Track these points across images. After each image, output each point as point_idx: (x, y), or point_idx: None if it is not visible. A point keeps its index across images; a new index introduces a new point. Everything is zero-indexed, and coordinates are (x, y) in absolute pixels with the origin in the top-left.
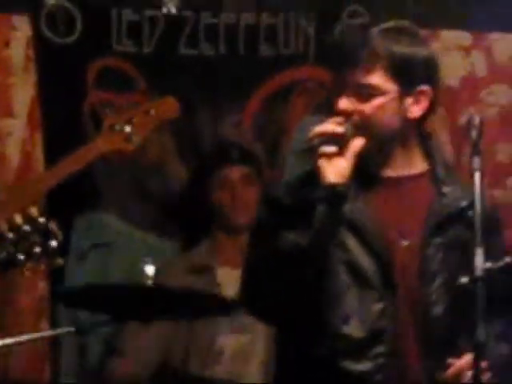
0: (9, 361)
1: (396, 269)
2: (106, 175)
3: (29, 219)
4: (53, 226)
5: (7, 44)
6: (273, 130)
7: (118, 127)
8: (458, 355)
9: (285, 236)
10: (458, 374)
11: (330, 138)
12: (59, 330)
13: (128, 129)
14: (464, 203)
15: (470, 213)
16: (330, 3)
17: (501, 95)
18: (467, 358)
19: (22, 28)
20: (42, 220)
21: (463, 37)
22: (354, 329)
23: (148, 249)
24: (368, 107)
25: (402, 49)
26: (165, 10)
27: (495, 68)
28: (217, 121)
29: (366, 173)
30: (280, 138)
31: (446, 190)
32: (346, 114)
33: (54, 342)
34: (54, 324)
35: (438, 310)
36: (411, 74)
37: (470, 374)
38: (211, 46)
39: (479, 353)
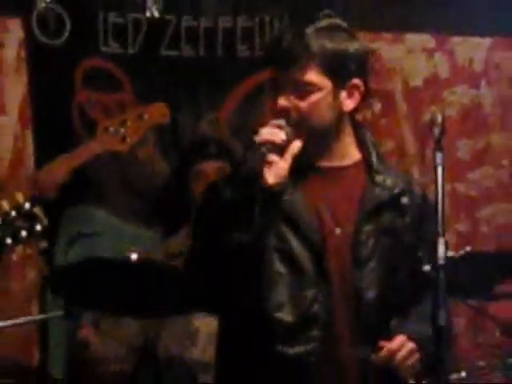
0: None
1: (330, 256)
2: (94, 170)
3: (15, 205)
4: (38, 211)
5: (1, 45)
6: (248, 127)
7: (112, 130)
8: (390, 339)
9: (224, 230)
10: (390, 356)
11: (274, 145)
12: (48, 315)
13: (122, 131)
14: (396, 191)
15: (401, 200)
16: (304, 6)
17: (462, 95)
18: (398, 341)
19: (13, 30)
20: (27, 206)
21: (427, 40)
22: (286, 314)
23: (132, 238)
24: (305, 104)
25: (334, 45)
26: (148, 14)
27: (456, 69)
28: (196, 118)
29: (302, 164)
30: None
31: (378, 178)
32: (285, 111)
33: (43, 325)
34: (43, 309)
35: (370, 294)
36: (344, 68)
37: (400, 355)
38: (191, 47)
39: (440, 336)
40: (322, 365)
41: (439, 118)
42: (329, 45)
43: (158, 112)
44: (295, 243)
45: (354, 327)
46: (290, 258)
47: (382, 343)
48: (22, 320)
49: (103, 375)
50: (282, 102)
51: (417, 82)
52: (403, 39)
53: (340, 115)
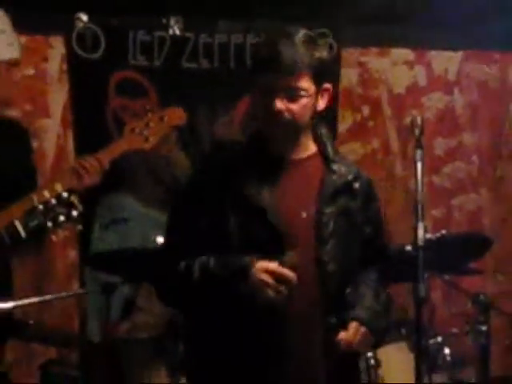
0: (43, 315)
1: (296, 236)
2: (124, 165)
3: (55, 194)
4: (74, 199)
5: (45, 59)
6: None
7: (137, 130)
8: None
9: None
10: (348, 344)
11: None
12: (87, 289)
13: (146, 132)
14: (349, 178)
15: (353, 185)
16: (301, 26)
17: (437, 100)
18: (353, 329)
19: (57, 46)
20: (65, 195)
21: (408, 54)
22: None
23: (157, 224)
24: (297, 106)
25: (319, 54)
26: (171, 32)
27: (433, 79)
28: (212, 120)
29: (272, 157)
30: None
31: (334, 167)
32: (280, 113)
33: (82, 300)
34: (82, 285)
35: (331, 267)
36: (322, 74)
37: (356, 341)
38: (208, 60)
39: (420, 306)
40: (285, 316)
41: (419, 121)
42: (316, 54)
43: (176, 115)
44: (261, 228)
45: (320, 298)
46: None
47: (341, 335)
48: (64, 294)
49: (136, 341)
50: (279, 105)
51: (399, 89)
52: (388, 53)
53: (313, 114)
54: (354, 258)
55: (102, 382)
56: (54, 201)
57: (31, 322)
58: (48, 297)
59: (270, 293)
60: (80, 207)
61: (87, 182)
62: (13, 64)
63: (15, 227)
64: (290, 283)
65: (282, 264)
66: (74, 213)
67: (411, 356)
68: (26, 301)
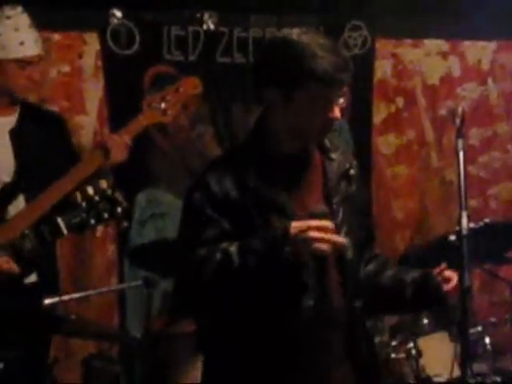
0: (82, 310)
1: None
2: (161, 161)
3: (99, 190)
4: (118, 195)
5: (81, 56)
6: None
7: (154, 105)
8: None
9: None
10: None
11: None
12: (129, 284)
13: (163, 105)
14: (347, 165)
15: (350, 172)
16: (335, 19)
17: (471, 91)
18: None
19: (91, 43)
20: (109, 191)
21: (442, 45)
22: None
23: None
24: (339, 112)
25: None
26: (205, 27)
27: (467, 69)
28: (246, 114)
29: (282, 154)
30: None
31: (333, 155)
32: (336, 120)
33: (122, 294)
34: (121, 280)
35: (349, 254)
36: None
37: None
38: (242, 55)
39: (465, 295)
40: (319, 315)
41: (460, 111)
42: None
43: (190, 84)
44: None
45: (341, 284)
46: None
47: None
48: (105, 289)
49: (177, 335)
50: (337, 113)
51: (433, 80)
52: (422, 44)
53: None
54: (361, 242)
55: (144, 377)
56: (97, 198)
57: (73, 316)
58: (89, 292)
59: (317, 245)
60: (124, 204)
61: (116, 158)
62: (28, 62)
63: (57, 224)
64: (331, 231)
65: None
66: (119, 209)
67: (451, 345)
68: (68, 296)
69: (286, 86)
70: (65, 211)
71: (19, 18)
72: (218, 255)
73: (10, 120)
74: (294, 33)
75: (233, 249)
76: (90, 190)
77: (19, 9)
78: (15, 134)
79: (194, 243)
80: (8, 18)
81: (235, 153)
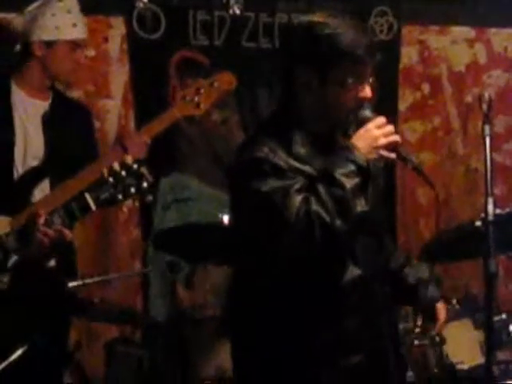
0: (106, 294)
1: None
2: (187, 146)
3: (125, 166)
4: (144, 170)
5: (106, 40)
6: None
7: (188, 98)
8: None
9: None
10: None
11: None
12: (151, 268)
13: (197, 98)
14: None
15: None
16: (361, 4)
17: (498, 78)
18: (442, 311)
19: (117, 27)
20: (135, 166)
21: (468, 32)
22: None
23: (219, 202)
24: (369, 91)
25: None
26: (231, 12)
27: (493, 56)
28: (271, 99)
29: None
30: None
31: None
32: (370, 98)
33: (145, 278)
34: (144, 264)
35: (386, 239)
36: None
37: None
38: (268, 40)
39: (491, 281)
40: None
41: (487, 96)
42: None
43: (225, 79)
44: None
45: (381, 267)
46: None
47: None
48: (127, 273)
49: (199, 319)
50: (369, 92)
51: (460, 67)
52: (448, 31)
53: None
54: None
55: (167, 361)
56: (124, 173)
57: (96, 300)
58: (112, 275)
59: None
60: (150, 178)
61: (134, 156)
62: (77, 44)
63: (85, 200)
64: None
65: None
66: (145, 184)
67: (475, 333)
68: (91, 279)
69: (321, 66)
70: (93, 187)
71: (70, 0)
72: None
73: (44, 104)
74: (322, 15)
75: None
76: (117, 166)
77: None
78: (47, 119)
79: (285, 194)
80: (60, 0)
81: (271, 134)
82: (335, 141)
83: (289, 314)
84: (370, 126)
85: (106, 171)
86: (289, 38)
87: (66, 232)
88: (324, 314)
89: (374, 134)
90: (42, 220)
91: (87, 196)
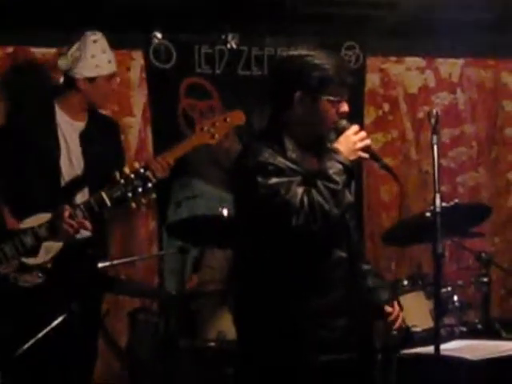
0: (129, 272)
1: None
2: (193, 155)
3: (134, 170)
4: (149, 174)
5: (128, 69)
6: None
7: (205, 129)
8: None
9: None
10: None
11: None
12: (166, 251)
13: (212, 130)
14: None
15: None
16: (333, 40)
17: (443, 98)
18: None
19: (137, 59)
20: (142, 170)
21: (419, 61)
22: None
23: (219, 199)
24: (347, 107)
25: None
26: (229, 46)
27: (440, 81)
28: (261, 117)
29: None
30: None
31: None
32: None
33: (161, 260)
34: (160, 248)
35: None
36: None
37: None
38: (259, 69)
39: (438, 260)
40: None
41: (435, 113)
42: None
43: (237, 117)
44: None
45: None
46: None
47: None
48: (146, 255)
49: (205, 293)
50: (346, 107)
51: (413, 90)
52: (403, 61)
53: None
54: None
55: (178, 327)
56: (132, 175)
57: (122, 277)
58: (135, 258)
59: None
60: (154, 180)
61: (158, 176)
62: (111, 76)
63: (102, 197)
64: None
65: None
66: (149, 185)
67: (427, 302)
68: (118, 261)
69: (312, 89)
70: (107, 187)
71: (102, 41)
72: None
73: (81, 124)
74: (307, 49)
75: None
76: (127, 170)
77: (99, 34)
78: (84, 137)
79: (288, 187)
80: (95, 41)
81: (267, 143)
82: (320, 146)
83: (286, 286)
84: (348, 133)
85: (118, 174)
86: (285, 66)
87: (87, 224)
88: (316, 286)
89: (352, 140)
90: (67, 213)
91: (103, 194)
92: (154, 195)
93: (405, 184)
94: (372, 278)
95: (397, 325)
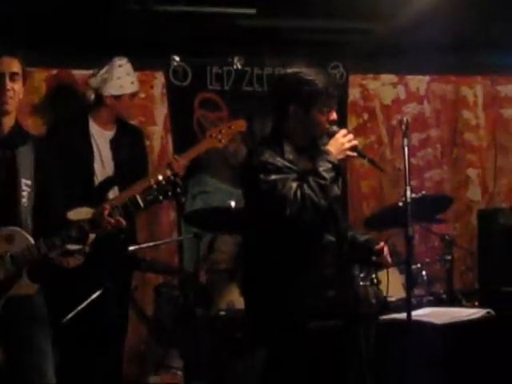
0: (154, 254)
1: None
2: (207, 157)
3: (165, 176)
4: (178, 180)
5: (152, 87)
6: None
7: (214, 135)
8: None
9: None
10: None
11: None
12: (183, 237)
13: (219, 136)
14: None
15: None
16: (321, 60)
17: (413, 108)
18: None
19: (159, 78)
20: (172, 177)
21: (393, 78)
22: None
23: (228, 194)
24: (335, 115)
25: None
26: (235, 67)
27: (409, 94)
28: (262, 125)
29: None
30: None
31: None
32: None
33: (180, 244)
34: (179, 234)
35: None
36: None
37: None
38: (260, 85)
39: (409, 242)
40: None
41: (405, 121)
42: None
43: (239, 124)
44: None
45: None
46: None
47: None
48: (168, 240)
49: (216, 271)
50: (335, 116)
51: (387, 101)
52: (379, 78)
53: None
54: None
55: (194, 299)
56: (164, 182)
57: (148, 258)
58: (158, 242)
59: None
60: (182, 186)
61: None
62: (134, 95)
63: (137, 200)
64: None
65: None
66: (178, 190)
67: (400, 277)
68: (145, 245)
69: (306, 101)
70: (142, 191)
71: (127, 65)
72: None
73: (111, 133)
74: (300, 67)
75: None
76: (160, 176)
77: (125, 59)
78: (113, 143)
79: (284, 182)
80: (120, 66)
81: (269, 147)
82: (314, 149)
83: (284, 264)
84: (338, 136)
85: (152, 181)
86: (281, 84)
87: (122, 221)
88: (309, 264)
89: (341, 141)
90: (106, 212)
91: (138, 197)
92: (183, 199)
93: (382, 180)
94: (361, 235)
95: (389, 259)
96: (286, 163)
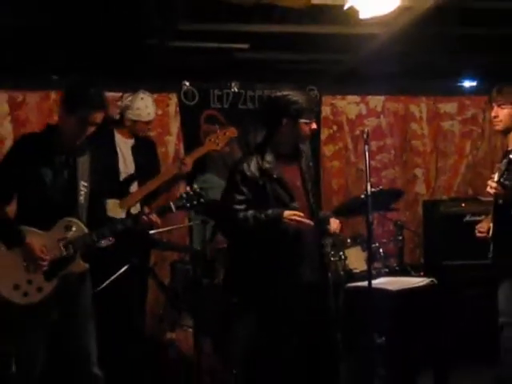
0: (170, 237)
1: (298, 196)
2: (210, 159)
3: (191, 188)
4: (201, 191)
5: (167, 105)
6: None
7: (212, 140)
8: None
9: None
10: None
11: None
12: (192, 223)
13: (216, 141)
14: (309, 159)
15: (310, 163)
16: (299, 85)
17: (372, 121)
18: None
19: (173, 98)
20: (197, 189)
21: (356, 98)
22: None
23: None
24: (315, 125)
25: None
26: (232, 90)
27: (369, 111)
28: (255, 136)
29: (283, 152)
30: None
31: (303, 154)
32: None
33: (190, 228)
34: (190, 220)
35: (316, 212)
36: None
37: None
38: (252, 104)
39: (369, 226)
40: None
41: (366, 131)
42: None
43: (232, 131)
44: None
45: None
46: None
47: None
48: (181, 225)
49: (219, 249)
50: (315, 126)
51: (352, 116)
52: (346, 98)
53: None
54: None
55: (201, 272)
56: (191, 192)
57: (165, 240)
58: (173, 227)
59: (297, 223)
60: (205, 196)
61: (185, 169)
62: (147, 123)
63: (170, 205)
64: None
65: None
66: (202, 200)
67: (363, 253)
68: (162, 229)
69: (293, 116)
70: (174, 199)
71: (148, 99)
72: (251, 218)
73: (131, 141)
74: (288, 90)
75: (259, 215)
76: (188, 188)
77: (146, 93)
78: (134, 149)
79: (231, 202)
80: (142, 98)
81: (255, 152)
82: (296, 153)
83: (267, 252)
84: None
85: (182, 190)
86: (275, 103)
87: (158, 222)
88: (286, 253)
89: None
90: (147, 212)
91: (171, 203)
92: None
93: (347, 178)
94: (322, 214)
95: (337, 230)
96: (257, 174)
